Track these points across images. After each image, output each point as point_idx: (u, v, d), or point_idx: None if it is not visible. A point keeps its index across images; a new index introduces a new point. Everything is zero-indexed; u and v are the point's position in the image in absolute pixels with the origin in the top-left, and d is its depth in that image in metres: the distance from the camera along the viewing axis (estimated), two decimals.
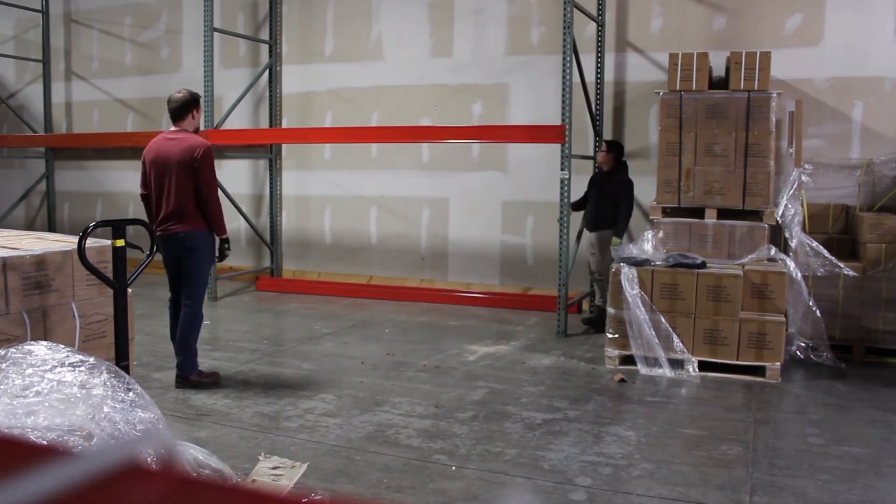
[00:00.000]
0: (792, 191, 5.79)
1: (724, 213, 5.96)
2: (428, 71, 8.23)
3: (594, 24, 7.37)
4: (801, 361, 5.61)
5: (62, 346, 2.49)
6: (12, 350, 2.40)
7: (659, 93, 6.20)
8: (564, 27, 6.33)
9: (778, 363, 5.24)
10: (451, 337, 6.51)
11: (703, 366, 5.36)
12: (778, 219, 5.79)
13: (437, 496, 3.37)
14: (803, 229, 5.87)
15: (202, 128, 8.31)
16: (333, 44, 8.73)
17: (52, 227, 10.46)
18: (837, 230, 6.28)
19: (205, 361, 5.57)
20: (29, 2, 10.28)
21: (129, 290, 3.77)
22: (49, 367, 2.31)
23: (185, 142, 4.79)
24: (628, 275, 5.48)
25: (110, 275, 3.67)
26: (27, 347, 2.42)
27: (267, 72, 8.96)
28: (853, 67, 6.60)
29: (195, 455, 2.51)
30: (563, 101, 6.41)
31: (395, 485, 3.48)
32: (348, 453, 3.84)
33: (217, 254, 4.99)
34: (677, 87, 6.07)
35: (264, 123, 9.08)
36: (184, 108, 4.89)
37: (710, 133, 5.97)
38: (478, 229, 8.16)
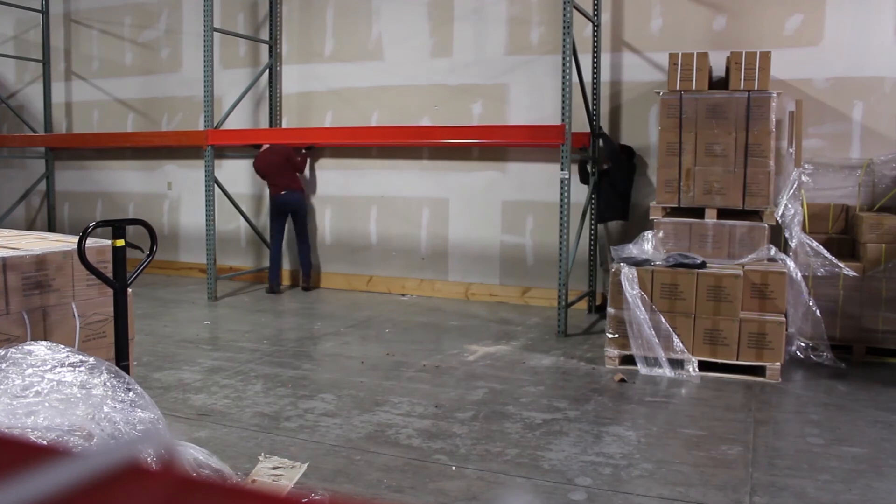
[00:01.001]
0: (792, 191, 5.79)
1: (724, 213, 5.96)
2: (428, 71, 8.24)
3: (592, 25, 7.38)
4: (801, 361, 5.61)
5: (62, 346, 2.49)
6: (12, 350, 2.40)
7: (659, 93, 6.20)
8: (564, 27, 6.33)
9: (778, 363, 5.25)
10: (451, 337, 6.52)
11: (703, 366, 5.36)
12: (778, 219, 5.79)
13: (437, 496, 3.37)
14: (803, 229, 5.87)
15: (202, 128, 8.34)
16: (333, 44, 8.73)
17: (52, 227, 10.47)
18: (837, 230, 6.28)
19: (205, 361, 5.58)
20: (29, 2, 10.29)
21: (129, 290, 3.76)
22: (49, 367, 2.31)
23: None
24: (628, 275, 5.48)
25: (110, 275, 3.67)
26: (27, 347, 2.42)
27: (267, 72, 8.96)
28: (853, 67, 6.60)
29: (195, 455, 2.51)
30: (563, 101, 6.42)
31: (394, 485, 3.48)
32: (348, 453, 3.84)
33: None
34: (677, 87, 6.07)
35: (264, 123, 9.08)
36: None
37: (710, 133, 5.97)
38: (478, 229, 8.16)
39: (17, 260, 3.44)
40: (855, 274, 5.73)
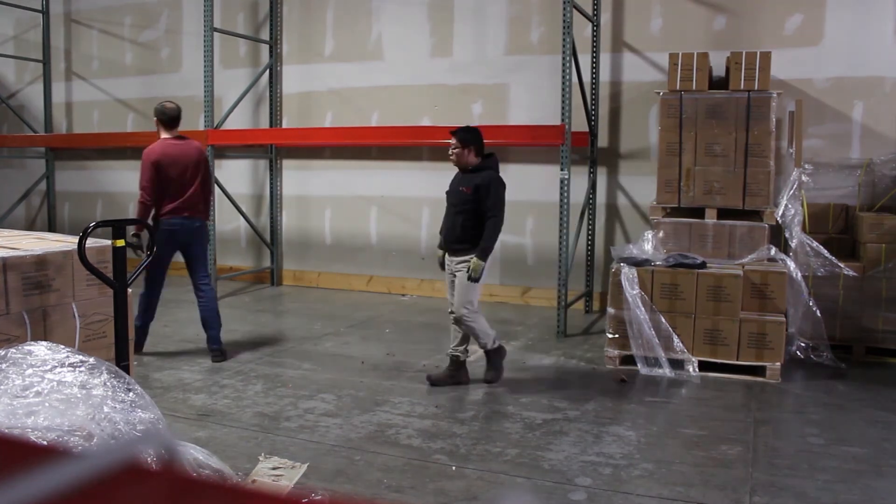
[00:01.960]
0: (792, 191, 5.78)
1: (724, 213, 5.96)
2: (428, 71, 8.23)
3: (592, 25, 7.37)
4: (801, 361, 5.61)
5: (62, 346, 2.49)
6: (12, 350, 2.40)
7: (659, 93, 6.20)
8: (564, 27, 6.33)
9: (778, 363, 5.24)
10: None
11: (703, 366, 5.36)
12: (778, 219, 5.79)
13: (437, 496, 3.37)
14: (803, 229, 5.87)
15: (202, 128, 8.33)
16: (333, 44, 8.73)
17: (52, 227, 10.47)
18: (837, 230, 6.28)
19: (205, 361, 5.58)
20: (29, 2, 10.28)
21: (129, 290, 3.76)
22: (49, 367, 2.31)
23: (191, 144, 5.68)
24: (628, 275, 5.48)
25: (110, 275, 3.67)
26: (27, 347, 2.42)
27: (267, 72, 8.96)
28: (853, 67, 6.60)
29: (195, 455, 2.51)
30: (563, 102, 6.42)
31: (394, 485, 3.48)
32: (348, 453, 3.84)
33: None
34: (677, 87, 6.07)
35: (264, 123, 9.08)
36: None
37: (710, 133, 5.97)
38: None
39: (17, 260, 3.44)
40: (855, 274, 5.73)
